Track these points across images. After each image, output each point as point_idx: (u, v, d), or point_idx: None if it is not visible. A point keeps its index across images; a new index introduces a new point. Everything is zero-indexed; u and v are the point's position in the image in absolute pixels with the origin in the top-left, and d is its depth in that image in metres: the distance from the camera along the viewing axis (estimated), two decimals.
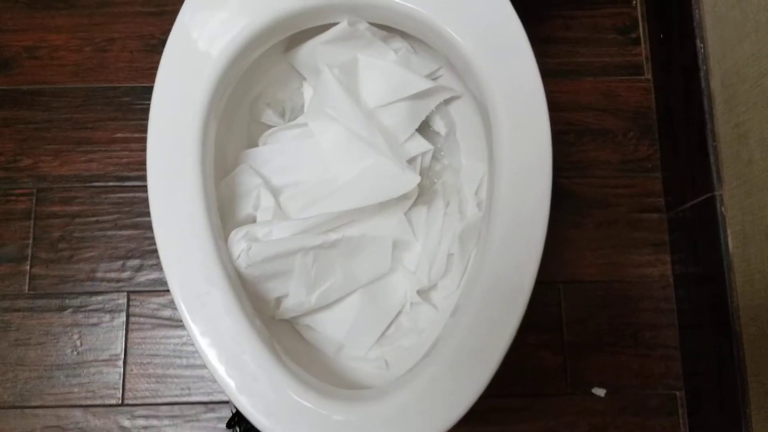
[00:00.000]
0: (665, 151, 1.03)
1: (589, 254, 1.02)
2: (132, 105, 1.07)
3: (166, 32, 1.04)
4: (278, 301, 0.72)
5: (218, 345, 0.60)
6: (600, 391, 0.98)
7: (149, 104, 1.02)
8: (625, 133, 1.05)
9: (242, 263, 0.67)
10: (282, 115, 0.79)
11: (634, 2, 1.10)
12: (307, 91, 0.80)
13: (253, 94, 0.75)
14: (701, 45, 0.92)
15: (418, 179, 0.71)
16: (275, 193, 0.72)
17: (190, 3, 0.68)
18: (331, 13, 0.70)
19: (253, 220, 0.73)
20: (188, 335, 0.97)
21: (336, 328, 0.72)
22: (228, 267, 0.64)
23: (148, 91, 1.07)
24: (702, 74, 0.91)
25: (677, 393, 0.98)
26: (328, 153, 0.72)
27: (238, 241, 0.67)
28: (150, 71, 1.08)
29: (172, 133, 0.66)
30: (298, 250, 0.69)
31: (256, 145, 0.77)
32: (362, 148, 0.72)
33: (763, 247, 0.80)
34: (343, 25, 0.70)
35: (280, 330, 0.71)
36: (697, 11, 0.93)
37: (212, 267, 0.62)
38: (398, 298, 0.74)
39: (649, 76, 1.07)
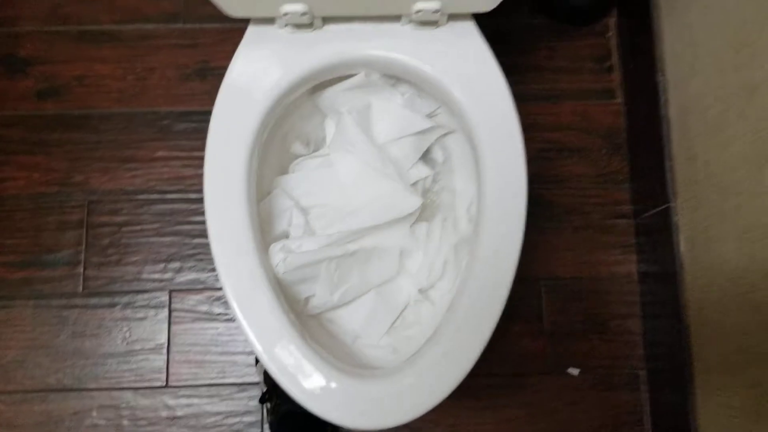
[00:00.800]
0: (633, 166, 1.19)
1: (566, 255, 1.19)
2: (170, 127, 1.22)
3: (200, 62, 1.23)
4: (307, 300, 0.88)
5: (263, 335, 0.76)
6: (574, 371, 1.15)
7: (186, 126, 1.22)
8: (599, 150, 1.21)
9: (280, 270, 0.83)
10: (307, 145, 0.95)
11: (609, 34, 1.25)
12: (329, 126, 0.96)
13: (285, 129, 0.91)
14: (661, 77, 1.08)
15: (420, 201, 0.87)
16: (304, 212, 0.89)
17: (240, 55, 0.84)
18: (352, 67, 0.86)
19: (287, 235, 0.89)
20: (223, 327, 1.15)
21: (353, 321, 0.89)
22: (269, 273, 0.79)
23: (184, 115, 1.23)
24: (661, 102, 1.07)
25: (640, 372, 1.15)
26: (347, 180, 0.88)
27: (277, 253, 0.84)
28: (185, 97, 1.23)
29: (224, 163, 0.81)
30: (324, 259, 0.85)
31: (287, 172, 0.93)
32: (375, 176, 0.88)
33: (707, 251, 0.96)
34: (360, 76, 0.87)
35: (309, 324, 0.87)
36: (658, 47, 1.08)
37: (257, 273, 0.78)
38: (404, 297, 0.90)
39: (620, 100, 1.23)
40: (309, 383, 0.74)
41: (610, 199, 1.20)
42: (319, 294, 0.87)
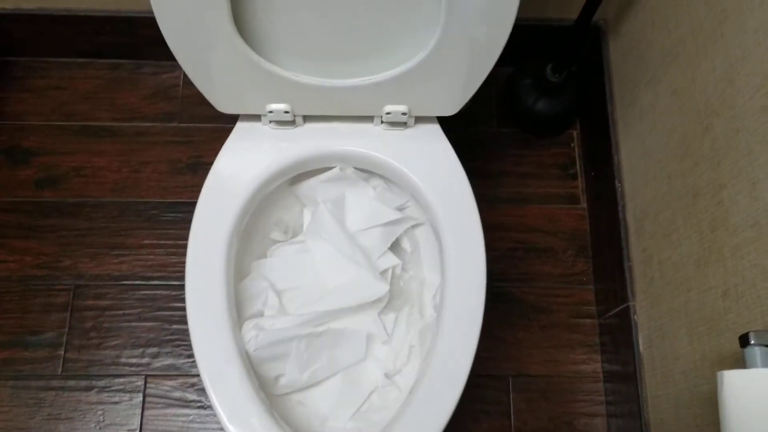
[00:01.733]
0: (596, 267, 1.25)
1: (535, 352, 1.22)
2: (159, 217, 1.29)
3: (192, 157, 1.32)
4: (277, 379, 0.91)
5: (232, 411, 0.79)
6: None
7: (174, 216, 1.29)
8: (565, 251, 1.28)
9: (251, 347, 0.87)
10: (285, 232, 1.01)
11: (572, 144, 1.35)
12: (306, 215, 1.03)
13: (266, 216, 0.98)
14: (619, 185, 1.16)
15: (387, 288, 0.93)
16: (279, 294, 0.94)
17: (228, 147, 0.92)
18: (329, 161, 0.94)
19: (262, 315, 0.93)
20: (195, 414, 1.17)
21: (322, 403, 0.92)
22: (242, 350, 0.84)
23: (172, 206, 1.30)
24: (620, 208, 1.15)
25: None
26: (321, 265, 0.94)
27: (249, 330, 0.88)
28: (175, 189, 1.31)
29: (206, 247, 0.87)
30: (294, 338, 0.89)
31: (266, 256, 0.99)
32: (346, 263, 0.94)
33: (663, 347, 1.01)
34: (336, 170, 0.95)
35: (279, 404, 0.90)
36: (616, 157, 1.17)
37: (230, 350, 0.82)
38: (371, 381, 0.94)
39: (584, 205, 1.31)
40: None
41: (575, 299, 1.25)
42: (288, 372, 0.90)
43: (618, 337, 1.15)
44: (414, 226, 1.00)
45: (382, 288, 0.92)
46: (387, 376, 0.94)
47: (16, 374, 1.20)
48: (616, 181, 1.16)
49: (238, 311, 0.88)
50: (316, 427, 0.90)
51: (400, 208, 0.99)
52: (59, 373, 1.20)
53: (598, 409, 1.19)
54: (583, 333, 1.23)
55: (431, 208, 0.89)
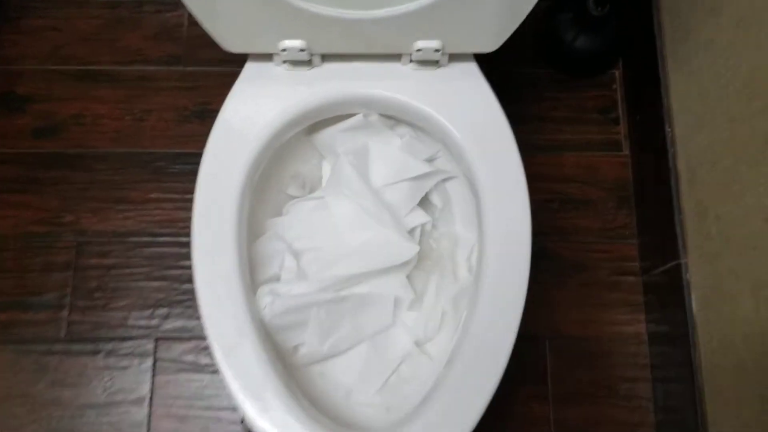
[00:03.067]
0: (640, 220, 1.15)
1: (572, 312, 1.13)
2: (165, 169, 1.19)
3: (199, 104, 1.22)
4: (296, 349, 0.83)
5: (247, 388, 0.71)
6: None
7: (181, 168, 1.19)
8: (605, 203, 1.18)
9: (267, 314, 0.78)
10: (303, 187, 0.91)
11: (614, 86, 1.23)
12: (325, 168, 0.92)
13: (280, 169, 0.88)
14: (669, 129, 1.05)
15: (417, 249, 0.83)
16: (297, 256, 0.84)
17: (236, 92, 0.81)
18: (350, 107, 0.83)
19: (278, 279, 0.84)
20: (208, 379, 1.10)
21: (346, 374, 0.83)
22: (256, 319, 0.75)
23: (180, 157, 1.20)
24: (669, 155, 1.04)
25: None
26: (342, 224, 0.85)
27: (264, 296, 0.79)
28: (182, 139, 1.21)
29: (214, 203, 0.78)
30: (313, 304, 0.80)
31: (281, 214, 0.89)
32: (370, 221, 0.84)
33: (721, 311, 0.91)
34: (358, 117, 0.84)
35: (298, 376, 0.82)
36: (665, 99, 1.06)
37: (243, 320, 0.73)
38: (399, 350, 0.85)
39: (627, 152, 1.20)
40: None
41: (616, 255, 1.15)
42: (308, 342, 0.82)
43: (666, 296, 1.05)
44: (445, 180, 0.90)
45: (411, 249, 0.83)
46: (417, 344, 0.85)
47: (18, 338, 1.12)
48: (666, 126, 1.05)
49: (252, 275, 0.78)
50: (339, 401, 0.82)
51: (430, 160, 0.88)
52: (63, 336, 1.13)
53: (642, 373, 1.10)
54: (626, 291, 1.14)
55: (467, 159, 0.78)
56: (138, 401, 1.11)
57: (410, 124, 0.86)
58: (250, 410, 0.70)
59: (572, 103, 1.23)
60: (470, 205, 0.84)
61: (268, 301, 0.78)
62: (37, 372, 1.11)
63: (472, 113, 0.80)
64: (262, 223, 0.87)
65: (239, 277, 0.74)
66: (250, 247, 0.80)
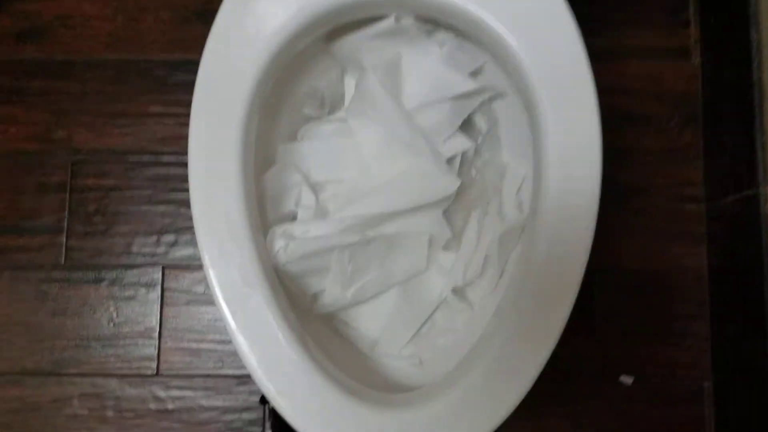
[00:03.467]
0: (709, 141, 1.00)
1: (625, 243, 1.01)
2: (166, 78, 1.05)
3: (200, 4, 1.06)
4: (315, 296, 0.72)
5: (257, 347, 0.61)
6: (628, 379, 0.98)
7: (183, 78, 1.05)
8: (668, 119, 1.03)
9: (280, 260, 0.67)
10: (321, 106, 0.78)
11: None
12: (348, 83, 0.78)
13: (294, 84, 0.74)
14: (755, 35, 0.88)
15: (458, 183, 0.70)
16: (315, 189, 0.72)
17: None
18: (380, 6, 0.68)
19: (294, 217, 0.72)
20: None
21: (371, 324, 0.73)
22: (267, 266, 0.64)
23: (181, 65, 1.06)
24: (754, 66, 0.88)
25: (705, 384, 0.98)
26: (368, 152, 0.71)
27: (277, 238, 0.68)
28: (183, 43, 1.06)
29: (215, 123, 0.65)
30: (335, 248, 0.69)
31: (296, 139, 0.76)
32: (402, 150, 0.71)
33: None
34: (389, 21, 0.69)
35: (317, 327, 0.71)
36: None
37: (251, 268, 0.62)
38: (434, 296, 0.74)
39: (697, 61, 1.03)
40: (310, 408, 0.59)
41: (679, 179, 1.01)
42: (329, 290, 0.71)
43: (736, 229, 0.93)
44: (492, 98, 0.75)
45: (451, 183, 0.70)
46: (454, 290, 0.74)
47: (14, 264, 1.03)
48: (752, 31, 0.88)
49: (262, 213, 0.66)
50: (364, 355, 0.72)
51: (475, 74, 0.74)
52: (62, 262, 1.03)
53: (700, 311, 0.99)
54: (687, 221, 1.01)
55: (524, 71, 0.64)
56: (146, 333, 1.02)
57: (452, 29, 0.71)
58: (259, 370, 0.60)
59: (634, 3, 1.05)
60: (521, 130, 0.70)
61: (281, 245, 0.66)
62: (37, 300, 1.03)
63: (530, 14, 0.65)
64: (272, 149, 0.73)
65: (246, 216, 0.63)
66: (259, 179, 0.68)
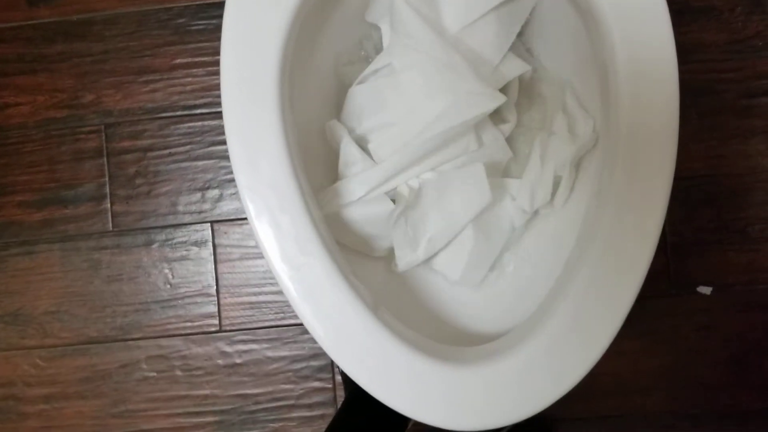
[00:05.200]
0: None
1: (693, 147, 0.95)
2: (188, 26, 1.00)
3: None
4: (389, 257, 0.69)
5: (323, 317, 0.58)
6: (705, 290, 0.94)
7: (206, 24, 0.99)
8: (732, 9, 0.94)
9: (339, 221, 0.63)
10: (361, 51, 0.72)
11: None
12: (384, 29, 0.71)
13: (326, 53, 0.68)
14: None
15: (503, 98, 0.63)
16: (362, 141, 0.67)
17: None
18: None
19: (341, 176, 0.68)
20: None
21: (453, 266, 0.69)
22: (323, 232, 0.59)
23: (203, 10, 1.00)
24: None
25: None
26: (413, 89, 0.65)
27: (329, 202, 0.64)
28: None
29: (247, 80, 0.60)
30: (385, 215, 0.65)
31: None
32: (449, 78, 0.64)
33: None
34: None
35: (383, 281, 0.68)
36: None
37: (306, 236, 0.58)
38: (505, 226, 0.70)
39: None
40: (389, 376, 0.56)
41: (748, 72, 0.93)
42: (399, 255, 0.66)
43: None
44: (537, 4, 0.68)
45: (496, 96, 0.63)
46: (524, 212, 0.69)
47: (62, 236, 1.01)
48: None
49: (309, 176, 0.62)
50: (436, 304, 0.68)
51: None
52: (110, 229, 1.01)
53: None
54: (759, 116, 0.93)
55: None
56: (204, 291, 1.01)
57: None
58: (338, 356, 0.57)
59: None
60: (578, 36, 0.64)
61: (337, 202, 0.62)
62: (91, 269, 1.02)
63: None
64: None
65: (294, 182, 0.58)
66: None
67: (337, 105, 0.71)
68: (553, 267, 0.62)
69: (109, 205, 1.01)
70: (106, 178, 1.01)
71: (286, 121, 0.58)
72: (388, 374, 0.55)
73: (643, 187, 0.57)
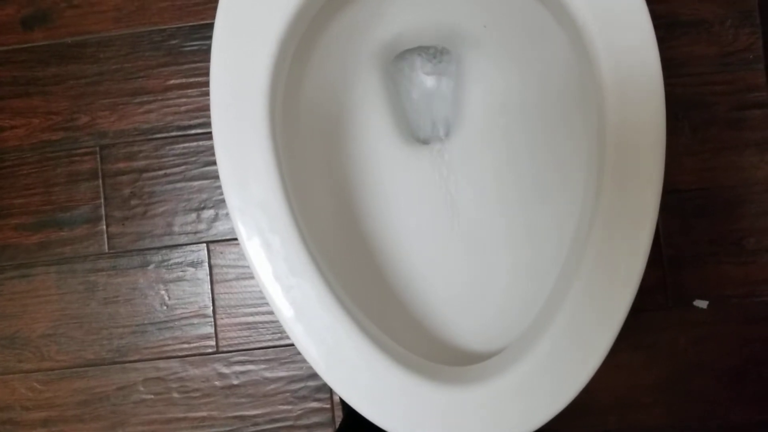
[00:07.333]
0: None
1: (686, 160, 0.95)
2: (181, 47, 1.00)
3: None
4: None
5: (316, 339, 0.57)
6: (702, 303, 0.94)
7: (199, 45, 1.00)
8: (722, 22, 0.94)
9: None
10: None
11: None
12: None
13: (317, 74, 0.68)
14: None
15: None
16: None
17: None
18: None
19: None
20: None
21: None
22: (314, 252, 0.59)
23: (196, 31, 1.01)
24: None
25: None
26: None
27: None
28: (193, 8, 1.00)
29: (236, 100, 0.59)
30: None
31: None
32: None
33: None
34: None
35: (377, 298, 0.68)
36: None
37: (297, 256, 0.57)
38: None
39: None
40: (381, 396, 0.56)
41: (738, 85, 0.94)
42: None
43: None
44: None
45: None
46: None
47: (58, 258, 1.01)
48: None
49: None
50: (435, 319, 0.68)
51: None
52: (106, 251, 1.01)
53: None
54: (751, 129, 0.94)
55: None
56: (200, 312, 1.00)
57: None
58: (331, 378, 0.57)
59: None
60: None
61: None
62: (87, 291, 1.01)
63: None
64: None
65: (284, 203, 0.58)
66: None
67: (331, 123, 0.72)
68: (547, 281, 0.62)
69: (104, 226, 1.01)
70: (102, 200, 1.01)
71: (276, 141, 0.58)
72: (382, 395, 0.55)
73: (633, 198, 0.57)
